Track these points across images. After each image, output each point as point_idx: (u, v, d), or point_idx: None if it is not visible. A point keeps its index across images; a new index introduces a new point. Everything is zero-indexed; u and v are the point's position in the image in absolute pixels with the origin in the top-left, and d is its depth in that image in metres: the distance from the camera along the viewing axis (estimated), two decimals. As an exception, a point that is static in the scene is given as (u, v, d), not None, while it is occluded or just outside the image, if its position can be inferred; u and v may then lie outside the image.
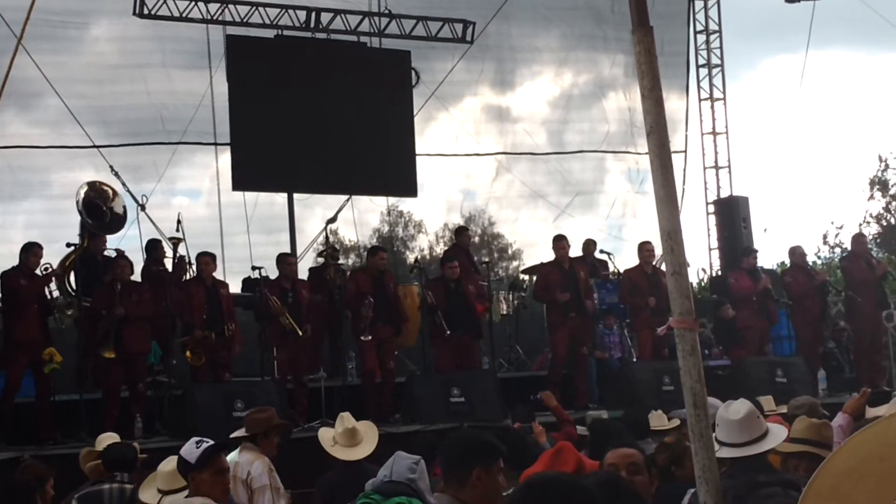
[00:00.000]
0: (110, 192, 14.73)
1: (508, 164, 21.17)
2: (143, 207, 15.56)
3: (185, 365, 13.66)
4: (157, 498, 6.81)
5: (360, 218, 19.35)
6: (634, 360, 15.76)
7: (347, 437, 8.43)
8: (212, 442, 6.34)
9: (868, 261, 16.62)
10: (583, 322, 14.87)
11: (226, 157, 17.25)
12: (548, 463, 5.57)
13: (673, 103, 21.44)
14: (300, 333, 13.58)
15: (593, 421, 9.71)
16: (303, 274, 15.89)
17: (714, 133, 21.45)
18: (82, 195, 14.26)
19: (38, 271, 12.60)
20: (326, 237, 16.29)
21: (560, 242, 15.03)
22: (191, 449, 6.24)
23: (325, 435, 8.67)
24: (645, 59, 4.69)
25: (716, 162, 21.56)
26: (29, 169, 17.91)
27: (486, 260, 17.58)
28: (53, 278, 13.13)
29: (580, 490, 3.54)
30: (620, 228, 21.51)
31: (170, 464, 6.79)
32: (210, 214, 18.21)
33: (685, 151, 21.35)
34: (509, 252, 34.58)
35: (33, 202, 18.52)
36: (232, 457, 7.86)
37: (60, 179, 18.03)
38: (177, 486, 6.68)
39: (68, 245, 13.88)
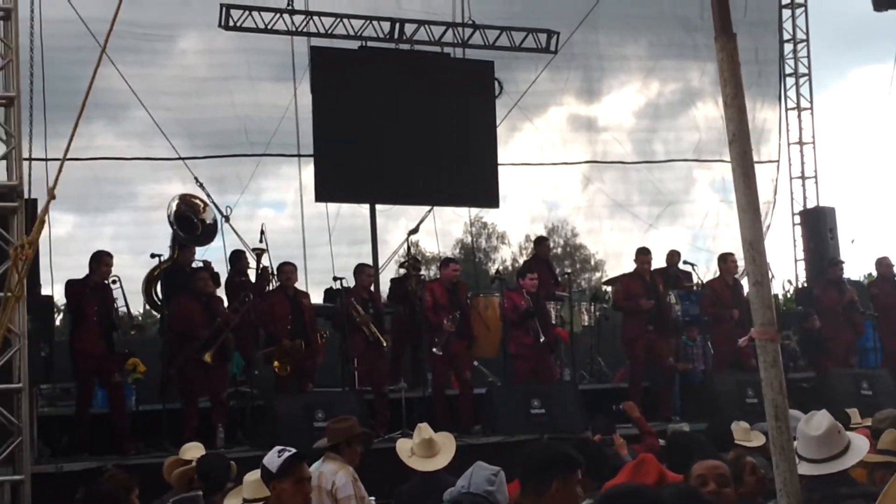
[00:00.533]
0: (201, 203, 14.89)
1: (593, 175, 21.04)
2: (227, 219, 15.67)
3: (267, 375, 13.71)
4: None
5: (442, 229, 19.33)
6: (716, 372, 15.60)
7: (425, 448, 8.41)
8: (293, 451, 6.34)
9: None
10: (661, 333, 14.74)
11: (309, 169, 17.31)
12: (629, 475, 5.50)
13: (766, 112, 21.20)
14: (384, 344, 13.61)
15: (673, 433, 9.59)
16: (385, 285, 15.95)
17: (801, 143, 21.15)
18: (174, 208, 14.42)
19: (107, 282, 12.72)
20: (408, 248, 16.30)
21: (643, 256, 14.96)
22: (273, 458, 6.26)
23: (403, 446, 8.66)
24: (727, 66, 4.61)
25: (802, 172, 21.25)
26: (115, 181, 18.12)
27: (568, 271, 17.47)
28: (120, 290, 13.22)
29: (659, 502, 3.48)
30: (707, 239, 21.32)
31: (255, 473, 6.81)
32: (293, 226, 18.30)
33: (778, 161, 21.13)
34: (592, 263, 34.37)
35: (120, 213, 18.77)
36: (315, 467, 7.87)
37: (147, 191, 18.24)
38: (262, 496, 6.70)
39: (153, 256, 14.01)
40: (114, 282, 12.89)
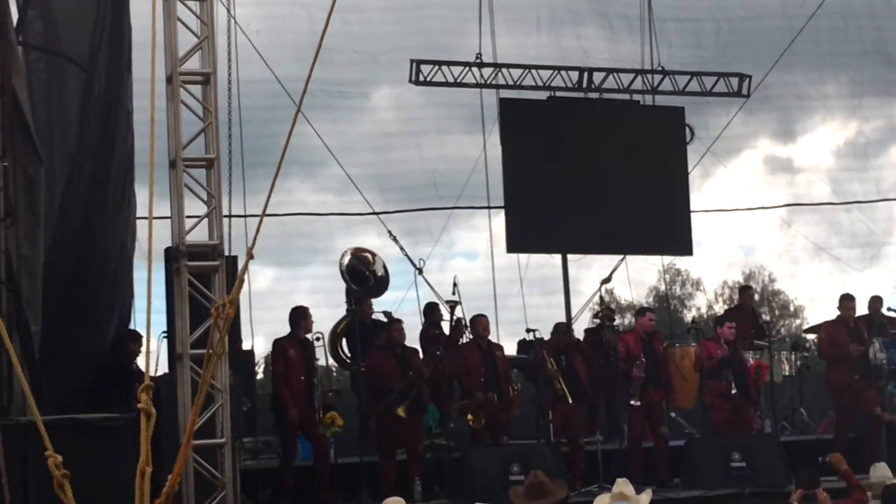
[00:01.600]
0: (370, 256, 15.02)
1: (791, 217, 20.59)
2: (420, 271, 15.78)
3: (462, 427, 13.72)
4: None
5: (635, 277, 19.13)
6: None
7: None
8: None
9: None
10: (867, 382, 14.28)
11: (500, 220, 17.36)
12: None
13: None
14: (570, 400, 13.50)
15: (889, 486, 9.24)
16: (579, 334, 15.85)
17: None
18: (346, 263, 14.59)
19: (309, 337, 12.95)
20: (601, 298, 16.17)
21: (848, 302, 14.57)
22: None
23: (602, 501, 8.54)
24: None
25: None
26: (312, 235, 18.50)
27: (767, 318, 17.09)
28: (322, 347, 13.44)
29: None
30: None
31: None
32: (485, 277, 18.32)
33: None
34: (791, 309, 33.61)
35: (318, 267, 19.10)
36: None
37: (343, 244, 18.53)
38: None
39: (348, 310, 14.20)
40: (317, 339, 13.13)
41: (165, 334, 11.28)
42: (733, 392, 13.99)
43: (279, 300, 17.98)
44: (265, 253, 15.72)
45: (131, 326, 12.95)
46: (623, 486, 8.43)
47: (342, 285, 15.14)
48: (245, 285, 9.46)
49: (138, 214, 12.82)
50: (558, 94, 17.19)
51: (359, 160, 17.70)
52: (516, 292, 18.08)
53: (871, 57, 19.93)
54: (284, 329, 13.23)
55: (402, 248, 16.29)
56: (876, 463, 9.47)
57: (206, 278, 9.85)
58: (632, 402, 13.65)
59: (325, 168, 17.80)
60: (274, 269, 20.58)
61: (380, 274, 14.70)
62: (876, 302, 15.76)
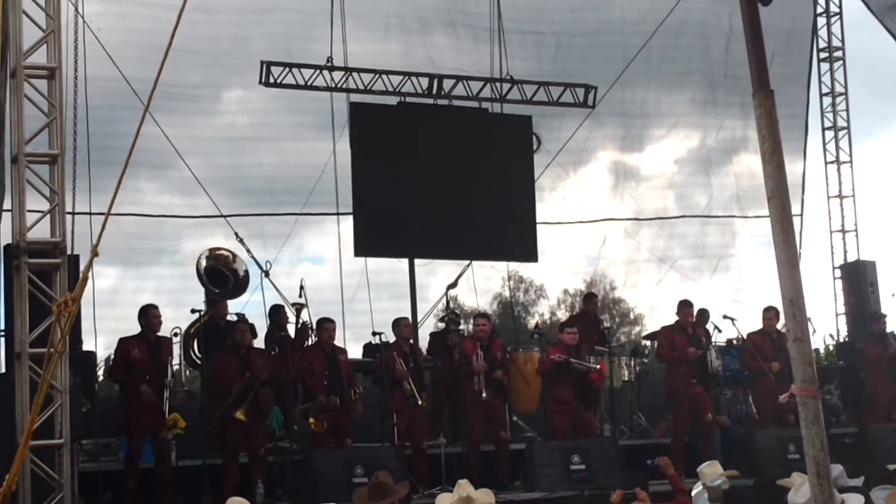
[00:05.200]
0: (230, 255, 14.91)
1: (633, 229, 21.05)
2: (266, 274, 15.68)
3: (305, 430, 13.71)
4: None
5: (480, 284, 19.30)
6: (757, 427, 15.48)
7: (464, 505, 8.38)
8: None
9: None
10: (705, 388, 14.66)
11: (348, 225, 17.39)
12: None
13: (791, 166, 21.18)
14: (420, 402, 13.60)
15: (730, 489, 9.50)
16: (424, 339, 15.96)
17: (840, 196, 21.07)
18: (203, 265, 14.46)
19: (164, 334, 12.85)
20: (447, 302, 16.30)
21: (686, 309, 14.92)
22: None
23: (444, 501, 8.64)
24: (766, 122, 4.65)
25: (842, 226, 21.16)
26: (158, 236, 18.23)
27: (607, 325, 17.41)
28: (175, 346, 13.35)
29: None
30: (748, 293, 21.24)
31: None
32: (332, 282, 18.32)
33: (801, 215, 21.05)
34: (631, 317, 34.27)
35: (163, 268, 18.85)
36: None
37: (189, 246, 18.37)
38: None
39: (193, 311, 14.07)
40: (175, 334, 13.02)
41: (2, 333, 11.07)
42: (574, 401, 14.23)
43: (122, 299, 17.77)
44: (109, 252, 15.43)
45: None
46: (466, 487, 8.55)
47: (187, 286, 15.00)
48: (87, 284, 9.36)
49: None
50: (408, 99, 17.28)
51: (206, 163, 17.51)
52: (363, 297, 18.12)
53: (696, 77, 20.58)
54: (126, 330, 13.10)
55: (248, 251, 16.15)
56: (704, 464, 9.69)
57: (46, 276, 9.68)
58: (483, 396, 13.78)
59: (172, 170, 17.54)
60: (117, 268, 20.20)
61: (240, 274, 14.58)
62: (703, 314, 16.11)
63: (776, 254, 4.59)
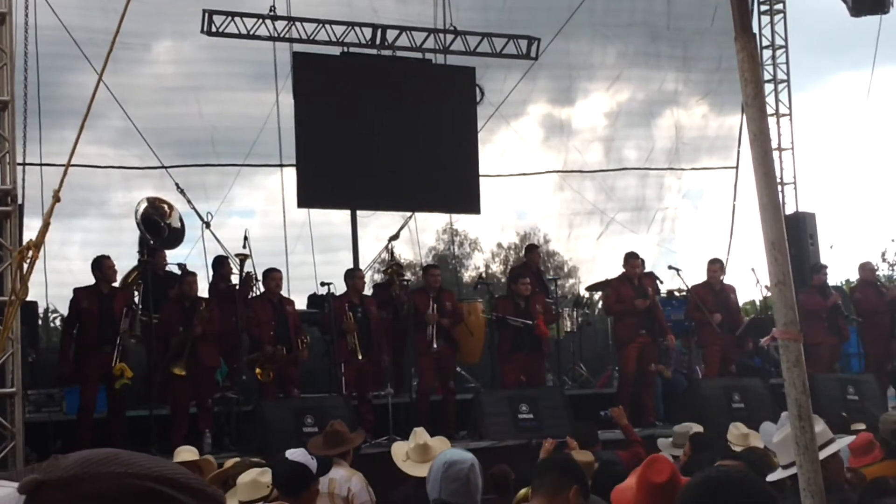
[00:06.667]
0: (167, 207, 14.76)
1: (565, 182, 21.12)
2: (208, 225, 15.56)
3: (252, 381, 13.68)
4: None
5: (416, 237, 19.32)
6: (700, 377, 15.66)
7: (420, 453, 8.39)
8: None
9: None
10: (652, 339, 14.79)
11: (289, 176, 17.29)
12: (643, 473, 5.48)
13: (729, 119, 21.42)
14: (360, 357, 13.59)
15: (695, 434, 9.66)
16: (367, 291, 15.94)
17: (780, 149, 21.25)
18: (141, 211, 14.30)
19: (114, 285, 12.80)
20: (391, 254, 16.30)
21: (633, 260, 14.97)
22: (307, 458, 6.36)
23: (398, 450, 8.64)
24: (749, 65, 4.63)
25: (781, 178, 21.34)
26: (87, 187, 17.94)
27: (553, 277, 17.45)
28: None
29: (755, 482, 3.52)
30: (669, 243, 21.43)
31: (249, 475, 6.88)
32: (271, 233, 18.23)
33: (736, 168, 21.25)
34: (565, 269, 34.43)
35: (91, 220, 18.63)
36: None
37: (118, 198, 18.16)
38: (256, 497, 6.77)
39: (140, 262, 13.94)
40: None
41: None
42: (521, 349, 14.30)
43: (48, 252, 17.54)
44: (35, 204, 15.18)
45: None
46: (422, 434, 8.58)
47: (114, 239, 14.81)
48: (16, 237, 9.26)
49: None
50: (352, 50, 17.17)
51: (142, 113, 17.23)
52: (304, 249, 18.07)
53: (638, 28, 20.62)
54: (53, 283, 13.06)
55: (189, 202, 16.04)
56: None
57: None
58: (434, 347, 13.83)
59: (102, 120, 17.22)
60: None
61: (175, 226, 14.43)
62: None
63: (758, 197, 4.59)
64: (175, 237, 14.66)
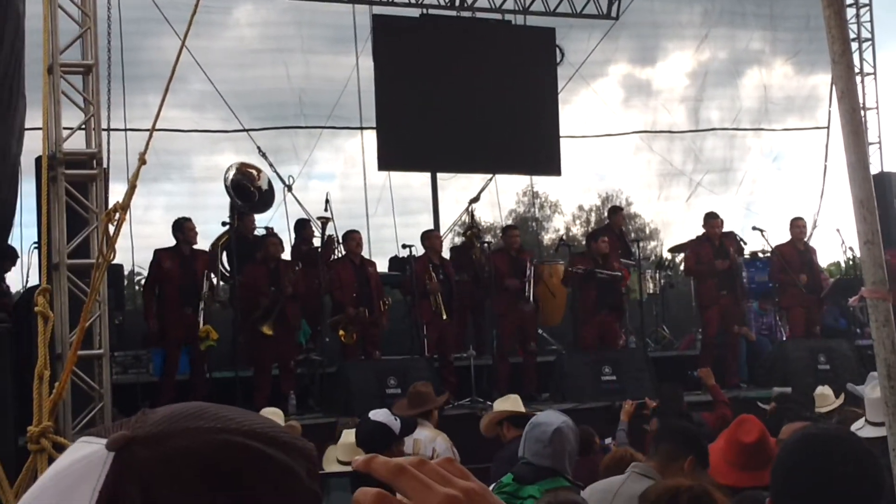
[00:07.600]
0: (255, 172, 14.86)
1: (647, 143, 20.94)
2: (289, 188, 15.65)
3: (334, 343, 13.76)
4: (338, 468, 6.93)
5: (496, 199, 19.26)
6: (784, 339, 15.47)
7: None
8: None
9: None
10: (734, 300, 14.63)
11: (370, 139, 17.32)
12: (731, 434, 5.47)
13: (818, 78, 21.11)
14: (444, 317, 13.62)
15: (779, 395, 9.63)
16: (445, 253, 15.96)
17: (864, 108, 20.86)
18: (230, 177, 14.41)
19: (195, 247, 13.02)
20: (472, 216, 16.29)
21: (713, 220, 14.77)
22: (389, 419, 6.38)
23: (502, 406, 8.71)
24: (835, 22, 4.56)
25: (866, 138, 21.02)
26: (171, 151, 18.11)
27: (635, 238, 17.30)
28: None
29: (855, 440, 3.49)
30: (754, 205, 21.16)
31: (349, 436, 6.93)
32: (352, 196, 18.29)
33: (828, 128, 20.91)
34: (647, 231, 34.21)
35: (175, 184, 18.80)
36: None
37: (201, 162, 18.32)
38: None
39: (224, 224, 14.05)
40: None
41: (36, 245, 11.06)
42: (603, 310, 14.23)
43: (134, 217, 17.77)
44: (121, 168, 15.35)
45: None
46: (516, 401, 8.61)
47: (197, 202, 14.93)
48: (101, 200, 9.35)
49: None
50: (431, 11, 17.13)
51: (223, 76, 17.32)
52: (384, 211, 18.12)
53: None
54: (139, 247, 13.22)
55: (271, 165, 16.12)
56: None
57: (83, 187, 9.61)
58: (519, 307, 13.82)
59: (184, 84, 17.34)
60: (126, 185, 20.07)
61: (264, 188, 14.54)
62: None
63: (847, 155, 4.53)
64: (265, 200, 14.75)
